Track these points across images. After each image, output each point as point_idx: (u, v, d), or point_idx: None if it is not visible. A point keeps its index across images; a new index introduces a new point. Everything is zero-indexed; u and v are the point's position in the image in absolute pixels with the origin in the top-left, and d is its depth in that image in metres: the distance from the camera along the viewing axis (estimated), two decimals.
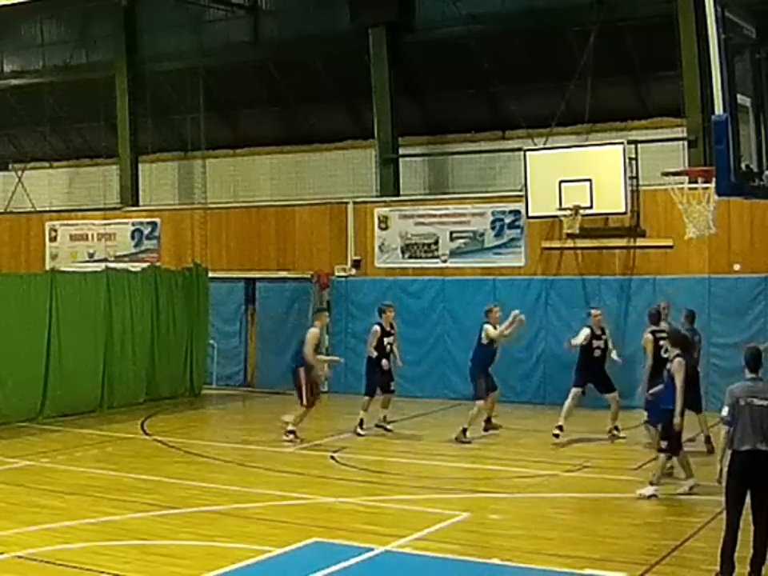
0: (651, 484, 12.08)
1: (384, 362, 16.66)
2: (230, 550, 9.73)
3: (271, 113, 24.99)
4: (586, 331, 16.05)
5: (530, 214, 19.75)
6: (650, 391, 13.17)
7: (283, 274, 22.72)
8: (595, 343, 15.88)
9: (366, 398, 16.80)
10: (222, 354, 23.04)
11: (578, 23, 20.50)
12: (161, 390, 20.92)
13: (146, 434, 17.11)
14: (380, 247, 22.29)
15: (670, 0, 19.31)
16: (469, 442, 15.90)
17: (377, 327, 16.76)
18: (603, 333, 16.17)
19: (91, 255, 25.93)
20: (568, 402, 15.81)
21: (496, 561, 9.52)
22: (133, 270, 21.33)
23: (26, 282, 18.63)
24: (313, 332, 16.38)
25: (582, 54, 19.94)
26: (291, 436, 16.07)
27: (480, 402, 15.99)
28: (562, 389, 19.49)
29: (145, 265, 22.59)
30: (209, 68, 24.34)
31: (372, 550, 9.81)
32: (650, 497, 11.94)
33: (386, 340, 16.71)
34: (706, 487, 12.04)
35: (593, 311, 16.46)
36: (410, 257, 21.99)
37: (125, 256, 25.22)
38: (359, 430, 16.62)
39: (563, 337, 19.98)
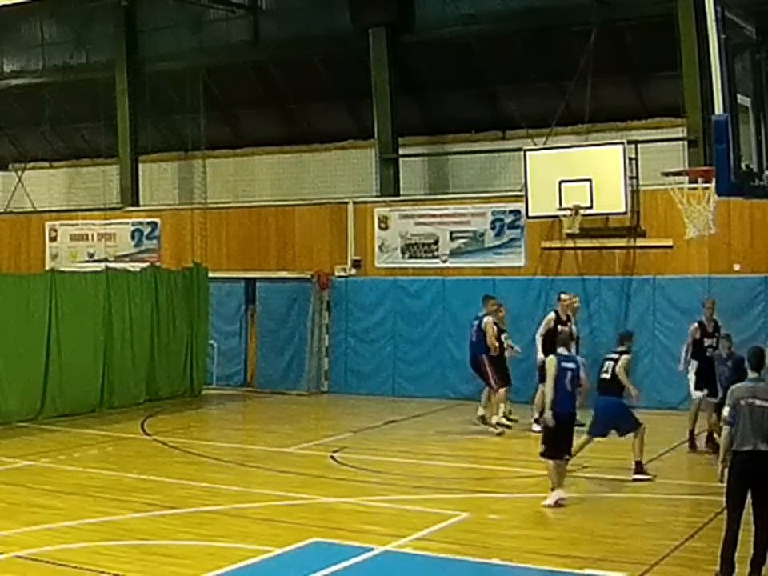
0: (552, 490, 11.77)
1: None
2: (230, 549, 9.72)
3: (271, 113, 24.99)
4: (550, 315, 16.38)
5: (530, 214, 19.75)
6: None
7: (283, 273, 22.70)
8: (560, 328, 16.07)
9: (502, 389, 16.84)
10: (221, 354, 23.03)
11: (578, 23, 20.49)
12: (161, 390, 20.92)
13: (146, 433, 17.11)
14: (380, 247, 22.29)
15: (670, 0, 19.31)
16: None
17: (489, 319, 16.89)
18: (569, 320, 16.50)
19: (91, 255, 25.92)
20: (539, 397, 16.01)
21: (496, 561, 9.52)
22: (132, 270, 21.33)
23: (25, 282, 18.63)
24: (488, 320, 16.62)
25: (582, 54, 19.92)
26: (500, 428, 16.37)
27: None
28: None
29: (144, 265, 22.58)
30: (209, 68, 24.36)
31: (372, 549, 9.81)
32: (555, 504, 11.58)
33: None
34: (706, 487, 12.06)
35: (563, 296, 16.80)
36: (410, 257, 21.99)
37: (125, 256, 25.21)
38: (506, 421, 16.83)
39: None
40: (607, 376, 13.12)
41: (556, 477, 11.79)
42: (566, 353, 12.36)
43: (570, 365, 12.06)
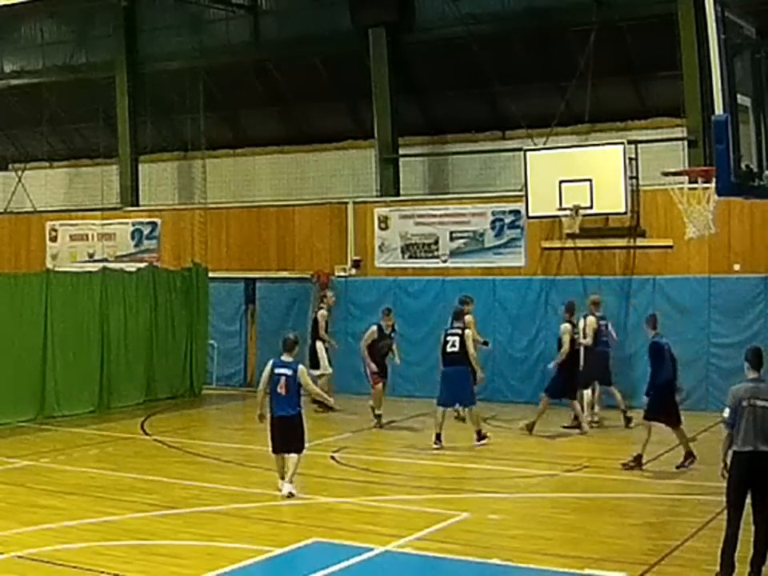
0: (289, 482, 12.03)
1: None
2: (230, 550, 9.73)
3: (271, 113, 25.00)
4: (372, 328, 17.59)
5: (530, 214, 19.75)
6: None
7: (283, 274, 22.72)
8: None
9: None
10: (221, 354, 23.03)
11: (578, 23, 20.48)
12: (161, 390, 20.91)
13: (146, 434, 17.12)
14: (380, 247, 22.29)
15: (670, 0, 19.31)
16: None
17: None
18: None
19: (91, 255, 25.91)
20: None
21: (496, 561, 9.52)
22: (129, 270, 21.31)
23: (20, 283, 18.60)
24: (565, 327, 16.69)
25: (582, 54, 19.93)
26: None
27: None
28: None
29: (142, 265, 22.57)
30: (209, 68, 24.37)
31: (372, 549, 9.82)
32: (289, 495, 11.86)
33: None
34: (706, 487, 12.06)
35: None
36: (410, 257, 21.99)
37: (125, 256, 25.21)
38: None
39: None
40: (456, 349, 14.79)
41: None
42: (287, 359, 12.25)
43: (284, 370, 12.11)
